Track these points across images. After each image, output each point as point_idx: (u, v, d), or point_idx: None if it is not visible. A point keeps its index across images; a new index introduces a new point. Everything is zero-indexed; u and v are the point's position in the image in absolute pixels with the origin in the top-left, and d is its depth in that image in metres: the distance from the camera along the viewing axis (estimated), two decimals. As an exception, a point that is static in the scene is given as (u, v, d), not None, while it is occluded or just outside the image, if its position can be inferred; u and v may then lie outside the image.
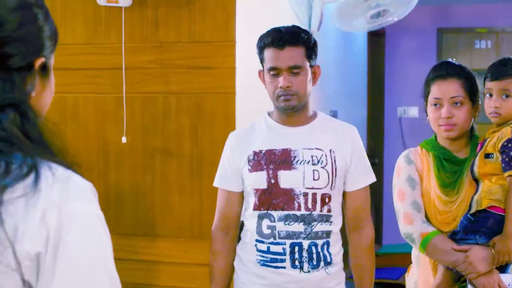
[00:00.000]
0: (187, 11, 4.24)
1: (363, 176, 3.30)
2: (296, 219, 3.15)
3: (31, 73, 1.38)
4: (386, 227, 8.83)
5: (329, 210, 3.20)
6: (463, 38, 9.14)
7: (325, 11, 5.65)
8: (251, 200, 3.24)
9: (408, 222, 3.23)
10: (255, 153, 3.23)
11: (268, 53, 3.19)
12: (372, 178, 3.35)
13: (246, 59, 4.19)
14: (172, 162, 4.30)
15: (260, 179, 3.19)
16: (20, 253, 1.23)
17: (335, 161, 3.21)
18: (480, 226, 3.07)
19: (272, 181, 3.17)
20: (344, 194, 3.30)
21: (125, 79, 4.33)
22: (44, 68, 1.42)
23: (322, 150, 3.21)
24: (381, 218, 8.86)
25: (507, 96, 3.12)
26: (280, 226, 3.16)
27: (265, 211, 3.18)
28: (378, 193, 8.43)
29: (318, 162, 3.18)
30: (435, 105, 3.23)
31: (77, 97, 4.47)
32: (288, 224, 3.15)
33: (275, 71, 3.17)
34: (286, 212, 3.15)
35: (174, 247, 4.30)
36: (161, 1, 4.28)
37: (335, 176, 3.20)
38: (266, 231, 3.19)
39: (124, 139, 4.29)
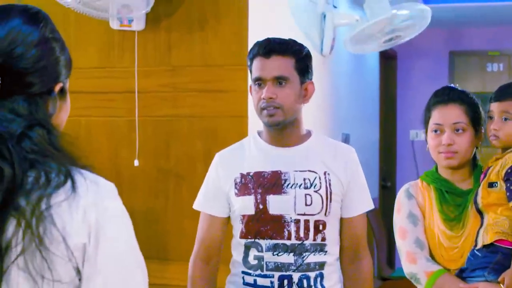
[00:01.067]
0: (199, 35, 4.26)
1: (360, 201, 3.03)
2: (286, 249, 2.85)
3: (52, 96, 1.64)
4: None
5: (323, 239, 2.90)
6: (475, 61, 9.15)
7: (337, 35, 5.67)
8: (237, 227, 2.96)
9: (411, 261, 3.03)
10: (242, 175, 2.94)
11: (255, 63, 2.94)
12: (370, 205, 3.08)
13: (259, 83, 4.19)
14: (185, 185, 4.30)
15: (247, 204, 2.90)
16: (71, 245, 1.52)
17: (330, 184, 2.91)
18: (488, 261, 2.87)
19: (260, 206, 2.87)
20: (342, 220, 3.02)
21: (137, 103, 4.34)
22: (62, 91, 1.67)
23: (315, 172, 2.92)
24: (393, 241, 8.83)
25: (506, 119, 2.98)
26: (268, 257, 2.87)
27: (252, 240, 2.90)
28: (390, 215, 8.39)
29: (311, 185, 2.89)
30: (436, 131, 3.06)
31: (90, 120, 4.49)
32: (277, 254, 2.86)
33: (260, 81, 2.90)
34: (274, 241, 2.86)
35: (186, 270, 4.28)
36: (174, 25, 4.31)
37: (330, 201, 2.91)
38: (253, 261, 2.91)
39: (136, 162, 4.30)
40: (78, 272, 1.55)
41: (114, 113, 4.42)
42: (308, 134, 3.04)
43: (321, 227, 2.90)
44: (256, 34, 4.23)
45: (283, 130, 2.94)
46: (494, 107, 3.03)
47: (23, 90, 1.58)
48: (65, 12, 4.46)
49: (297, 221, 2.87)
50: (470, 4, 7.75)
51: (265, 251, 2.86)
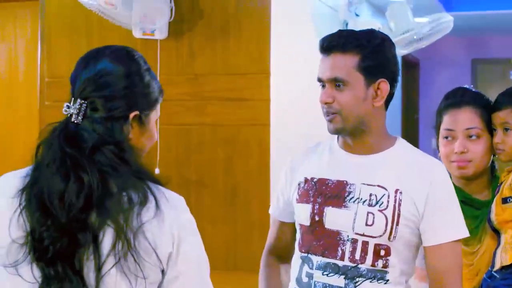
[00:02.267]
0: (222, 43, 4.27)
1: (444, 228, 2.45)
2: (337, 270, 2.45)
3: (126, 123, 1.89)
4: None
5: (385, 266, 2.43)
6: (497, 69, 9.12)
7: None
8: (297, 236, 2.62)
9: (421, 279, 2.69)
10: (306, 180, 2.57)
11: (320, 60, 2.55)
12: (461, 233, 2.47)
13: (281, 91, 4.20)
14: (206, 193, 4.30)
15: (304, 213, 2.54)
16: (159, 254, 1.81)
17: (399, 204, 2.43)
18: (508, 284, 2.56)
19: (316, 218, 2.50)
20: (424, 250, 2.50)
21: (159, 111, 4.35)
22: (140, 119, 1.93)
23: (385, 188, 2.45)
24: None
25: (507, 130, 2.70)
26: (318, 276, 2.49)
27: (306, 254, 2.53)
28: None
29: (377, 203, 2.44)
30: (447, 137, 2.76)
31: (113, 128, 4.50)
32: (327, 275, 2.47)
33: (321, 83, 2.50)
34: (326, 260, 2.47)
35: (208, 278, 4.29)
36: (196, 34, 4.32)
37: (397, 224, 2.42)
38: (304, 279, 2.54)
39: (157, 170, 4.31)
40: (163, 272, 1.85)
41: (137, 121, 4.43)
42: (392, 141, 2.56)
43: (382, 253, 2.44)
44: (278, 42, 4.24)
45: (353, 138, 2.52)
46: (494, 118, 2.74)
47: (102, 113, 1.87)
48: (89, 21, 4.50)
49: (354, 241, 2.45)
50: (492, 12, 7.73)
51: (315, 269, 2.49)
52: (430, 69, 9.14)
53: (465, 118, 2.72)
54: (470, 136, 2.73)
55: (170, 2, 4.25)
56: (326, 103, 2.45)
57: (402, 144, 2.56)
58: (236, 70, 4.24)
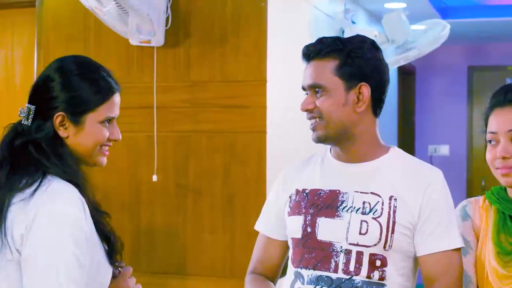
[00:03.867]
0: (219, 51, 4.27)
1: (438, 236, 2.33)
2: (330, 283, 2.32)
3: (48, 123, 2.12)
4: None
5: (381, 278, 2.31)
6: (494, 76, 9.12)
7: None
8: (290, 251, 2.50)
9: None
10: (297, 192, 2.47)
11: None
12: (455, 242, 2.35)
13: (277, 98, 4.21)
14: (204, 200, 4.30)
15: (296, 225, 2.42)
16: (14, 234, 1.98)
17: (394, 212, 2.32)
18: None
19: (308, 229, 2.38)
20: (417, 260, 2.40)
21: (156, 118, 4.36)
22: (73, 120, 2.13)
23: (379, 195, 2.35)
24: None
25: None
26: None
27: (297, 269, 2.41)
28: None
29: (370, 211, 2.33)
30: (490, 141, 2.39)
31: (110, 135, 4.51)
32: None
33: (305, 91, 2.46)
34: (318, 273, 2.34)
35: (205, 286, 4.29)
36: (193, 41, 4.32)
37: (392, 232, 2.31)
38: None
39: (155, 177, 4.31)
40: (19, 252, 2.00)
41: (133, 128, 4.43)
42: (385, 150, 2.47)
43: (378, 263, 2.31)
44: (275, 49, 4.24)
45: (340, 146, 2.45)
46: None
47: (32, 116, 2.16)
48: (86, 29, 4.50)
49: (348, 252, 2.32)
50: (489, 19, 7.74)
51: (307, 284, 2.36)
52: (426, 76, 9.15)
53: (508, 119, 2.36)
54: None
55: (167, 10, 4.26)
56: (306, 110, 2.40)
57: (396, 153, 2.48)
58: (233, 77, 4.24)
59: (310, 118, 2.41)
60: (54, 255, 1.96)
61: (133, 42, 4.24)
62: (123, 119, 4.46)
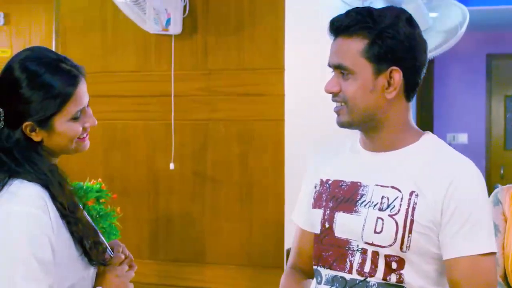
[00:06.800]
0: (236, 39, 4.26)
1: (462, 238, 2.03)
2: (344, 284, 2.13)
3: (16, 131, 2.09)
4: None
5: (400, 281, 2.06)
6: (512, 64, 9.07)
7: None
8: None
9: None
10: (321, 182, 2.25)
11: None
12: (483, 247, 2.02)
13: (295, 86, 4.19)
14: (221, 188, 4.30)
15: (315, 220, 2.21)
16: None
17: (413, 209, 2.05)
18: None
19: (326, 224, 2.17)
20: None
21: (174, 106, 4.35)
22: (42, 125, 2.09)
23: (399, 190, 2.08)
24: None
25: None
26: None
27: (316, 267, 2.22)
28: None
29: (388, 207, 2.07)
30: None
31: (126, 123, 4.51)
32: None
33: (330, 69, 2.17)
34: (333, 273, 2.15)
35: (222, 274, 4.29)
36: (210, 29, 4.32)
37: (409, 232, 2.04)
38: None
39: (172, 166, 4.31)
40: None
41: (151, 116, 4.44)
42: (416, 137, 2.19)
43: (395, 265, 2.07)
44: (292, 37, 4.23)
45: (366, 133, 2.20)
46: None
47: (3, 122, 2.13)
48: (103, 18, 4.50)
49: (364, 251, 2.10)
50: (507, 6, 7.69)
51: (324, 284, 2.18)
52: (444, 64, 9.09)
53: None
54: None
55: (184, -3, 4.27)
56: (331, 92, 2.14)
57: (427, 140, 2.17)
58: (250, 65, 4.24)
59: (334, 101, 2.15)
60: (8, 256, 1.94)
61: (151, 30, 4.24)
62: (141, 107, 4.49)
